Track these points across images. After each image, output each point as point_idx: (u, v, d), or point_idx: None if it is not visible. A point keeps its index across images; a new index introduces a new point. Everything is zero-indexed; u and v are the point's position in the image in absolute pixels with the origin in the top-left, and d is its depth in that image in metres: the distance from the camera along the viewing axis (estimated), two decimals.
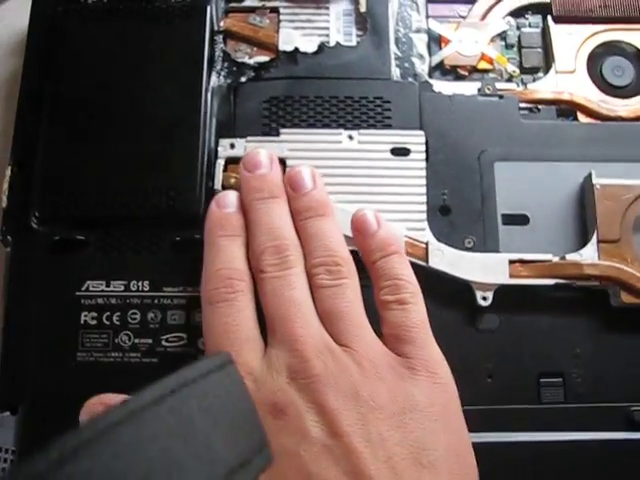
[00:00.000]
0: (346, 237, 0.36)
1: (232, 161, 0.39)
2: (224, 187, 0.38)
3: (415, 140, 0.39)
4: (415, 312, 0.33)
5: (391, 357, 0.31)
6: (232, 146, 0.39)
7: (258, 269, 0.33)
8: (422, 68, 0.42)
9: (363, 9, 0.42)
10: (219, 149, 0.39)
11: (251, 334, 0.31)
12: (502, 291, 0.37)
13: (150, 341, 0.37)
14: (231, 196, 0.35)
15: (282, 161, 0.39)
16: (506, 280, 0.37)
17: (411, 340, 0.32)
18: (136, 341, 0.37)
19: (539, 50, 0.43)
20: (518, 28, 0.44)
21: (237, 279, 0.32)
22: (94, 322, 0.37)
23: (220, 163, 0.39)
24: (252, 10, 0.43)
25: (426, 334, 0.32)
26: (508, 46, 0.43)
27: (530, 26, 0.44)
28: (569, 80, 0.42)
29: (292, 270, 0.32)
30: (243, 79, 0.41)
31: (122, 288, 0.37)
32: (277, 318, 0.31)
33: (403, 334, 0.32)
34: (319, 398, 0.29)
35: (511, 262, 0.37)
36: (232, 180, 0.39)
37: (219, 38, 0.42)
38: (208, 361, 0.24)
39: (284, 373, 0.30)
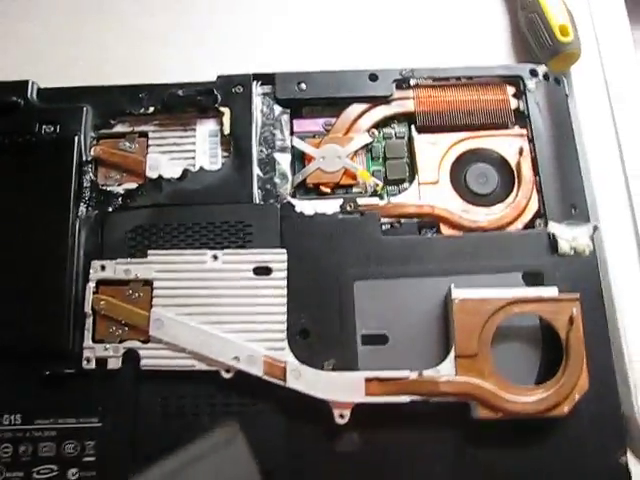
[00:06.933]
0: (195, 354, 0.42)
1: (103, 283, 0.44)
2: (94, 310, 0.44)
3: (277, 258, 0.45)
4: None
5: None
6: (103, 268, 0.44)
7: None
8: (284, 188, 0.47)
9: (226, 131, 0.47)
10: (90, 271, 0.45)
11: None
12: (360, 409, 0.42)
13: (21, 474, 0.42)
14: None
15: (149, 282, 0.44)
16: (362, 398, 0.42)
17: None
18: (7, 475, 0.42)
19: (404, 161, 0.48)
20: (385, 138, 0.48)
21: None
22: None
23: (90, 286, 0.44)
24: (123, 135, 0.48)
25: None
26: (374, 158, 0.48)
27: (396, 136, 0.49)
28: (432, 191, 0.47)
29: None
30: (110, 208, 0.46)
31: None
32: None
33: None
34: None
35: (368, 380, 0.42)
36: (102, 303, 0.44)
37: (88, 167, 0.47)
38: (217, 435, 0.28)
39: None
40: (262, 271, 0.44)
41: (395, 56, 0.53)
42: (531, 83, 0.49)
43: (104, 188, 0.47)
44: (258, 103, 0.49)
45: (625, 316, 0.47)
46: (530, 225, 0.47)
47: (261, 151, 0.48)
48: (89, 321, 0.44)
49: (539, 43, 0.52)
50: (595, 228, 0.46)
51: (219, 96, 0.48)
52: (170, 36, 0.56)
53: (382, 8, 0.57)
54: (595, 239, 0.46)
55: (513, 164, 0.48)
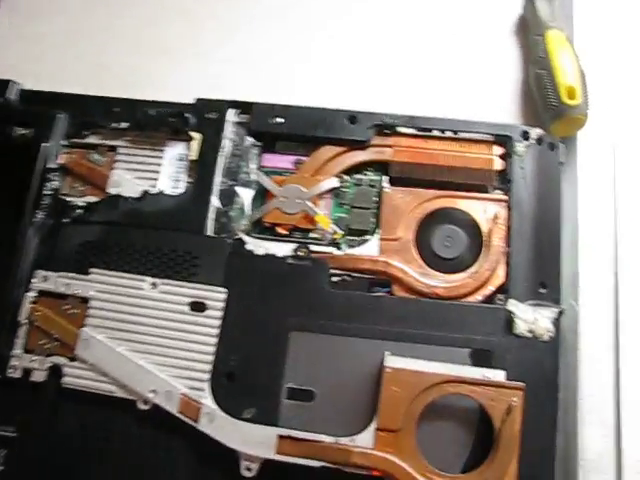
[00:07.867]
0: (116, 380, 0.43)
1: (45, 294, 0.45)
2: (30, 321, 0.44)
3: (215, 296, 0.44)
4: None
5: None
6: (45, 279, 0.45)
7: None
8: (240, 223, 0.45)
9: (193, 157, 0.46)
10: (33, 280, 0.45)
11: None
12: (270, 465, 0.41)
13: None
14: None
15: (86, 300, 0.44)
16: (272, 455, 0.41)
17: None
18: None
19: (371, 211, 0.46)
20: (355, 185, 0.47)
21: None
22: None
23: (29, 296, 0.45)
24: (94, 147, 0.48)
25: None
26: (341, 204, 0.46)
27: (367, 184, 0.47)
28: (393, 247, 0.45)
29: None
30: (67, 220, 0.46)
31: None
32: None
33: None
34: None
35: (281, 437, 0.41)
36: (37, 313, 0.44)
37: (53, 175, 0.47)
38: None
39: None
40: (198, 307, 0.44)
41: (387, 100, 0.51)
42: (520, 146, 0.46)
43: (64, 198, 0.47)
44: (229, 132, 0.48)
45: (586, 403, 0.44)
46: (490, 299, 0.44)
47: (223, 182, 0.47)
48: (22, 330, 0.44)
49: (543, 103, 0.48)
50: (561, 312, 0.43)
51: (191, 120, 0.47)
52: (173, 51, 0.55)
53: (390, 51, 0.55)
54: (570, 320, 0.44)
55: (484, 231, 0.45)
